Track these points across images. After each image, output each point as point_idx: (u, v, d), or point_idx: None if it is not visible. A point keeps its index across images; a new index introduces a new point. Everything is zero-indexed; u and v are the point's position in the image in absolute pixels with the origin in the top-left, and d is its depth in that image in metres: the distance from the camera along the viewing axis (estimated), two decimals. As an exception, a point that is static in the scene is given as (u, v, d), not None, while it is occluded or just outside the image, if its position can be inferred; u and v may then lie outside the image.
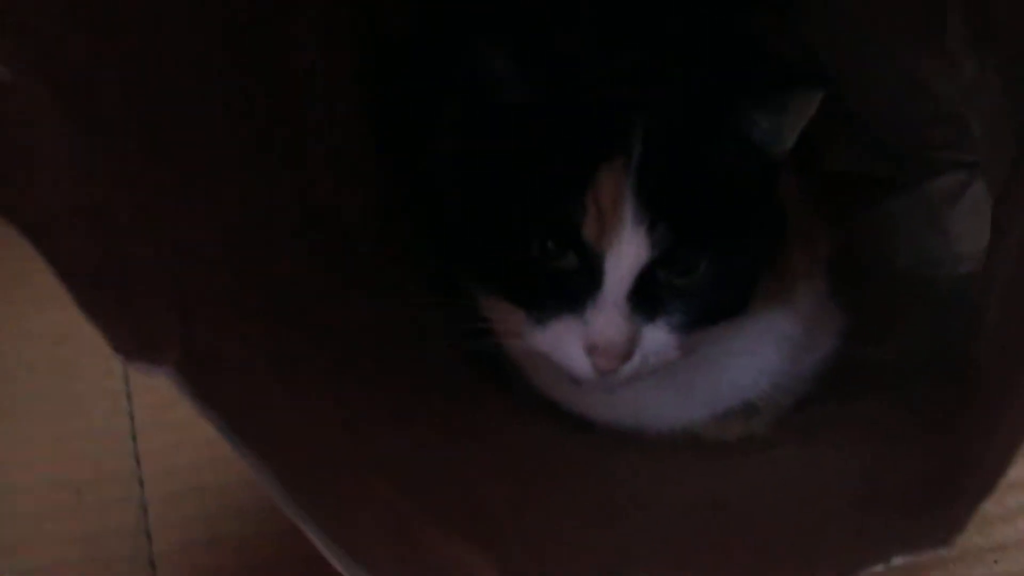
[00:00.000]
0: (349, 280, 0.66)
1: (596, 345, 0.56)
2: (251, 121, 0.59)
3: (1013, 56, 0.64)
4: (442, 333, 0.72)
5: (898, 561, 0.41)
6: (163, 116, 0.50)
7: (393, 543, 0.47)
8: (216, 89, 0.56)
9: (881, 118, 0.93)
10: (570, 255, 0.57)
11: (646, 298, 0.57)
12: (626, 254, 0.56)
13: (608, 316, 0.56)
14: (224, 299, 0.50)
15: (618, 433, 0.71)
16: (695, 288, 0.58)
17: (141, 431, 0.70)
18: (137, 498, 0.65)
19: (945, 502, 0.45)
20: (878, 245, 0.96)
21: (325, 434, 0.52)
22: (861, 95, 0.93)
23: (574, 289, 0.57)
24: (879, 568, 0.42)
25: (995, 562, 0.68)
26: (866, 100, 0.93)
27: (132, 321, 0.40)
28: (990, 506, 0.69)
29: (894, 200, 0.97)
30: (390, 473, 0.53)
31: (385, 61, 0.75)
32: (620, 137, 0.56)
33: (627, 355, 0.57)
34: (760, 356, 0.68)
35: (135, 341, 0.39)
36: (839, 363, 0.76)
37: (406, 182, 0.76)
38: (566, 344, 0.58)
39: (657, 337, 0.58)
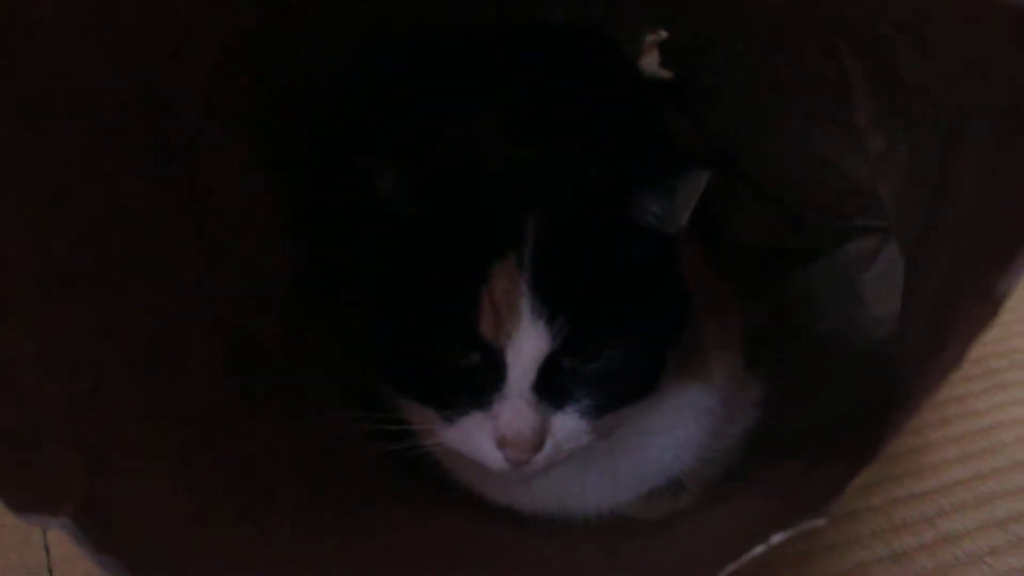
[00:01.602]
0: (266, 403, 0.66)
1: (505, 437, 0.56)
2: (166, 249, 0.59)
3: (922, 129, 0.65)
4: (369, 443, 0.71)
5: (776, 539, 0.41)
6: (70, 249, 0.49)
7: None
8: (129, 217, 0.55)
9: (793, 193, 0.96)
10: (472, 353, 0.57)
11: (552, 387, 0.57)
12: (526, 347, 0.56)
13: (514, 409, 0.56)
14: (138, 441, 0.49)
15: (547, 521, 0.70)
16: (601, 373, 0.58)
17: (57, 563, 0.70)
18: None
19: (823, 474, 0.44)
20: (802, 312, 0.97)
21: (248, 569, 0.51)
22: (773, 172, 0.95)
23: (479, 385, 0.57)
24: (760, 549, 0.42)
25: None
26: (778, 177, 0.96)
27: (28, 477, 0.39)
28: (927, 560, 0.73)
29: (810, 269, 0.99)
30: None
31: (295, 178, 0.75)
32: (511, 232, 0.57)
33: (537, 445, 0.57)
34: (680, 432, 0.69)
35: (29, 497, 0.38)
36: (761, 431, 0.76)
37: (321, 291, 0.76)
38: (476, 439, 0.58)
39: (567, 424, 0.58)
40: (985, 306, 0.39)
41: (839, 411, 0.75)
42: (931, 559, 0.74)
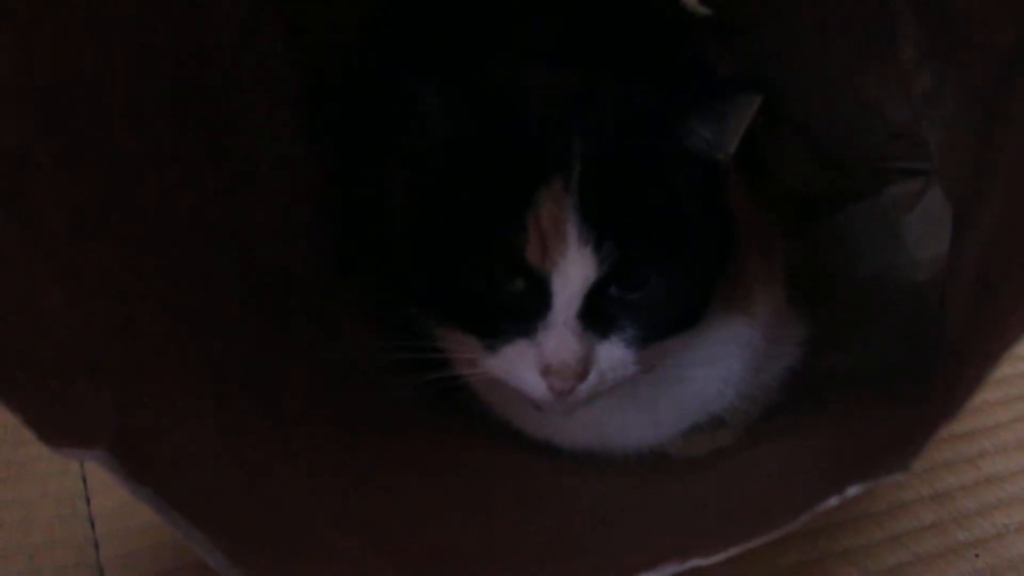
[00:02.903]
0: (297, 339, 0.65)
1: (550, 366, 0.55)
2: (197, 191, 0.58)
3: (970, 67, 0.63)
4: (402, 374, 0.70)
5: (853, 491, 0.40)
6: (101, 193, 0.49)
7: None
8: (161, 160, 0.55)
9: (835, 136, 0.94)
10: (517, 280, 0.56)
11: (598, 315, 0.56)
12: (573, 274, 0.55)
13: (559, 337, 0.55)
14: (168, 377, 0.49)
15: (585, 457, 0.69)
16: (648, 302, 0.57)
17: (94, 492, 0.69)
18: (92, 562, 0.63)
19: (905, 429, 0.43)
20: (838, 256, 0.96)
21: (281, 498, 0.50)
22: (815, 115, 0.93)
23: (524, 313, 0.56)
24: (833, 501, 0.40)
25: (976, 556, 0.68)
26: (820, 119, 0.93)
27: (61, 412, 0.39)
28: (969, 500, 0.71)
29: (851, 211, 0.98)
30: (354, 527, 0.52)
31: (329, 107, 0.74)
32: (558, 158, 0.55)
33: (582, 374, 0.56)
34: (723, 367, 0.67)
35: (63, 431, 0.37)
36: (805, 372, 0.75)
37: (354, 223, 0.75)
38: (520, 368, 0.57)
39: (612, 354, 0.57)
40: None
41: (883, 356, 0.74)
42: (973, 499, 0.73)
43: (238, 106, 0.63)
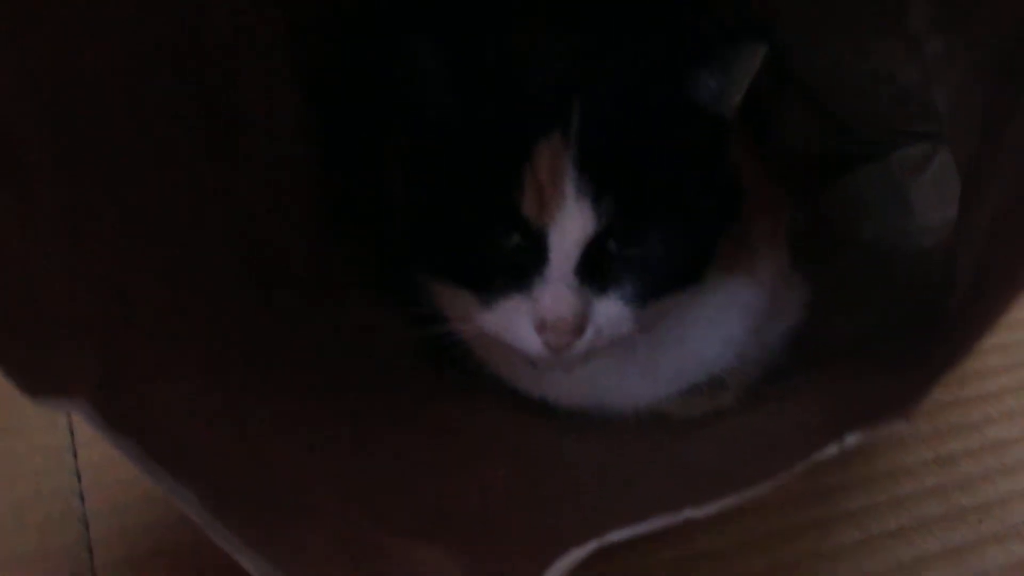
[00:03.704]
0: (290, 294, 0.64)
1: (546, 321, 0.54)
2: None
3: (984, 31, 0.62)
4: (396, 332, 0.69)
5: (851, 440, 0.38)
6: (95, 153, 0.47)
7: (349, 559, 0.45)
8: (153, 120, 0.53)
9: (843, 100, 0.92)
10: (514, 234, 0.55)
11: (596, 271, 0.55)
12: (570, 228, 0.53)
13: (556, 291, 0.54)
14: (155, 332, 0.48)
15: (582, 416, 0.68)
16: (647, 258, 0.56)
17: (81, 445, 0.68)
18: (78, 513, 0.62)
19: (907, 379, 0.42)
20: (843, 220, 0.95)
21: (272, 458, 0.49)
22: (823, 79, 0.92)
23: (521, 268, 0.55)
24: (832, 450, 0.39)
25: (979, 522, 0.67)
26: (828, 83, 0.92)
27: (42, 363, 0.38)
28: (971, 466, 0.70)
29: (858, 174, 0.97)
30: (347, 489, 0.51)
31: (323, 64, 0.72)
32: (557, 109, 0.54)
33: (579, 330, 0.55)
34: (723, 327, 0.66)
35: (44, 381, 0.36)
36: (808, 334, 0.74)
37: (347, 176, 0.73)
38: (515, 323, 0.56)
39: (610, 310, 0.56)
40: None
41: (888, 320, 0.73)
42: (977, 465, 0.71)
43: (234, 76, 0.62)
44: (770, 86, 0.90)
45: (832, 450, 0.40)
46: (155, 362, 0.47)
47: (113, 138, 0.49)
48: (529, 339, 0.55)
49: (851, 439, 0.39)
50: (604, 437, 0.67)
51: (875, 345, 0.70)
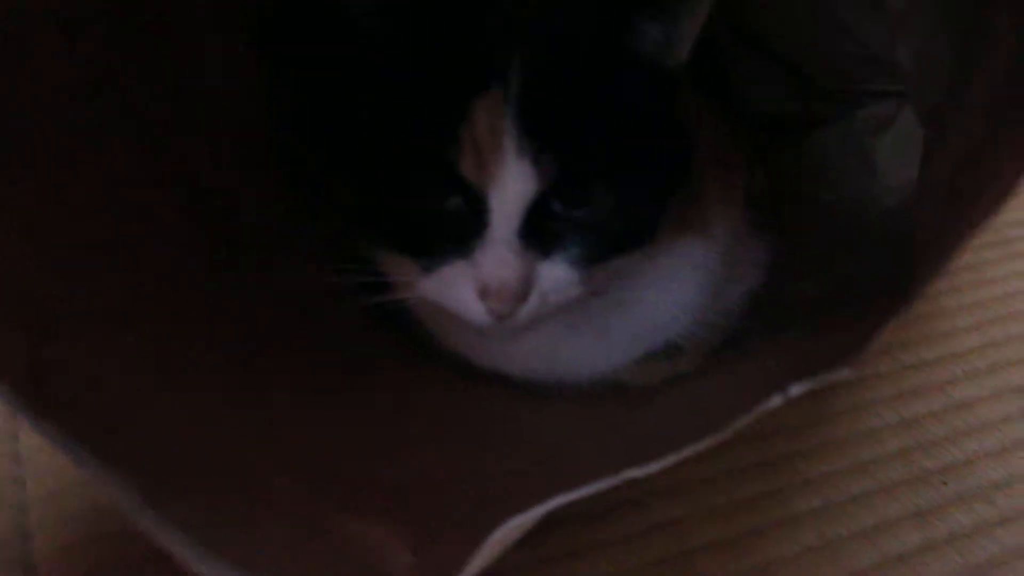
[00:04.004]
0: (238, 263, 0.61)
1: (488, 287, 0.52)
2: (139, 121, 0.54)
3: None
4: (347, 301, 0.67)
5: (796, 390, 0.37)
6: (24, 121, 0.45)
7: (295, 539, 0.43)
8: (98, 84, 0.51)
9: (806, 58, 0.91)
10: (453, 195, 0.53)
11: (539, 233, 0.53)
12: (511, 188, 0.51)
13: (497, 255, 0.52)
14: (88, 311, 0.45)
15: (537, 386, 0.67)
16: (593, 219, 0.53)
17: (24, 431, 0.66)
18: (17, 500, 0.60)
19: (855, 327, 0.41)
20: (807, 181, 0.93)
21: (212, 436, 0.47)
22: (785, 36, 0.90)
23: (461, 231, 0.53)
24: (777, 400, 0.38)
25: (944, 484, 0.65)
26: (791, 41, 0.90)
27: None
28: (937, 427, 0.68)
29: (821, 134, 0.95)
30: (291, 465, 0.49)
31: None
32: (495, 65, 0.51)
33: (522, 296, 0.52)
34: (678, 290, 0.64)
35: None
36: (769, 298, 0.72)
37: (297, 142, 0.71)
38: (456, 290, 0.53)
39: (555, 274, 0.54)
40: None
41: (851, 282, 0.71)
42: (942, 426, 0.70)
43: (186, 27, 0.59)
44: (728, 42, 0.88)
45: (776, 401, 0.38)
46: (88, 340, 0.44)
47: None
48: (471, 306, 0.53)
49: (795, 389, 0.38)
50: (559, 406, 0.66)
51: (837, 307, 0.68)
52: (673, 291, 0.64)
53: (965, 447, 0.69)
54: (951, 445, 0.69)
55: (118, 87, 0.52)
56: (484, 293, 0.52)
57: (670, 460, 0.39)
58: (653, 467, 0.39)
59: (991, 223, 0.37)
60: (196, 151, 0.59)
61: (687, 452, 0.39)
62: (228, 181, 0.62)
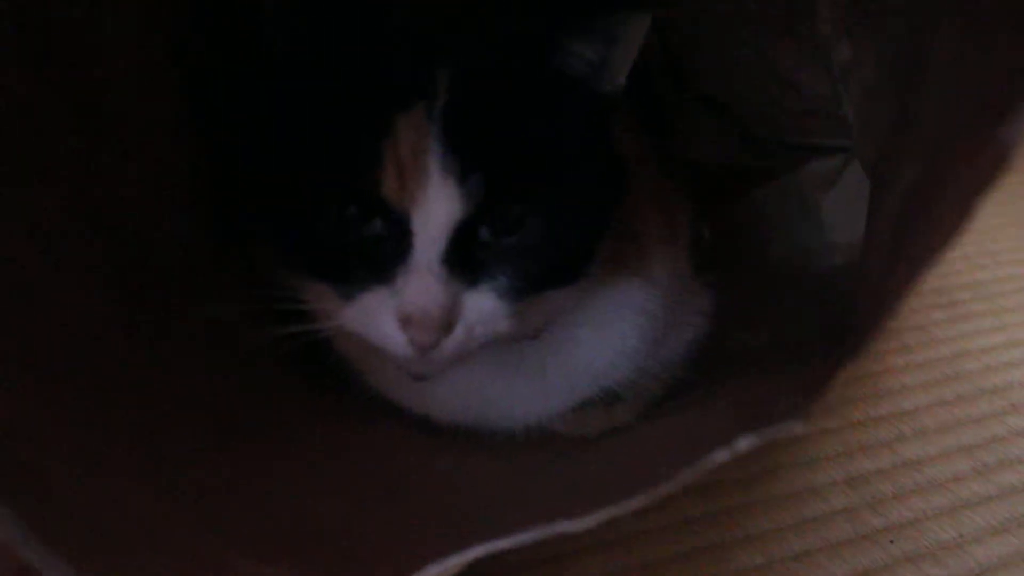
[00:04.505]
0: (151, 288, 0.57)
1: (410, 316, 0.48)
2: (52, 147, 0.50)
3: (889, 30, 0.60)
4: (264, 334, 0.63)
5: (743, 444, 0.36)
6: None
7: None
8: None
9: (751, 110, 0.90)
10: (374, 219, 0.49)
11: (465, 260, 0.50)
12: (435, 211, 0.48)
13: (420, 282, 0.48)
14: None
15: (466, 433, 0.63)
16: (522, 247, 0.50)
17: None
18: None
19: (805, 378, 0.39)
20: (751, 235, 0.92)
21: (108, 475, 0.44)
22: (730, 87, 0.90)
23: (382, 256, 0.49)
24: (723, 455, 0.36)
25: (891, 542, 0.62)
26: (735, 92, 0.90)
27: None
28: (884, 485, 0.65)
29: (766, 189, 0.94)
30: (192, 506, 0.46)
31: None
32: (420, 82, 0.49)
33: (447, 326, 0.49)
34: (617, 334, 0.61)
35: None
36: (712, 350, 0.70)
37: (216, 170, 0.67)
38: (377, 319, 0.50)
39: (482, 305, 0.50)
40: (988, 158, 0.33)
41: (795, 337, 0.69)
42: (890, 484, 0.68)
43: (105, 60, 0.56)
44: (669, 89, 0.87)
45: (722, 455, 0.37)
46: None
47: None
48: (393, 336, 0.49)
49: (743, 443, 0.37)
50: (487, 453, 0.62)
51: (782, 361, 0.66)
52: (612, 334, 0.62)
53: (913, 506, 0.66)
54: (899, 504, 0.66)
55: (29, 112, 0.48)
56: (406, 322, 0.49)
57: (608, 514, 0.37)
58: (589, 522, 0.37)
59: (934, 278, 0.35)
60: (106, 182, 0.56)
61: (626, 507, 0.37)
62: (141, 216, 0.59)
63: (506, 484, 0.59)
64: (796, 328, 0.73)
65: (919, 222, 0.46)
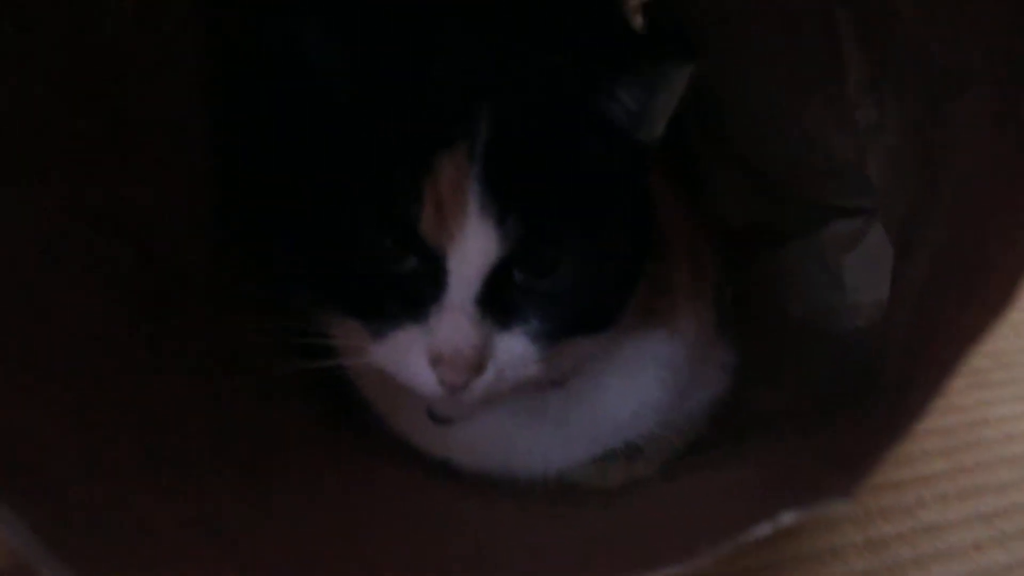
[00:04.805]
0: (175, 313, 0.58)
1: (441, 355, 0.48)
2: (86, 178, 0.51)
3: (916, 92, 0.60)
4: (288, 374, 0.63)
5: (787, 518, 0.35)
6: None
7: None
8: (48, 143, 0.48)
9: (775, 169, 0.90)
10: (409, 255, 0.50)
11: (499, 302, 0.49)
12: (472, 251, 0.48)
13: (453, 321, 0.48)
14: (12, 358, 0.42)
15: (485, 481, 0.63)
16: (555, 291, 0.50)
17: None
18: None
19: (845, 455, 0.38)
20: (773, 294, 0.92)
21: (134, 502, 0.44)
22: (755, 146, 0.90)
23: (416, 294, 0.49)
24: (766, 529, 0.36)
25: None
26: (760, 151, 0.90)
27: None
28: (904, 550, 0.67)
29: (789, 248, 0.94)
30: (211, 548, 0.45)
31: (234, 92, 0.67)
32: (463, 121, 0.49)
33: (478, 366, 0.49)
34: (641, 385, 0.61)
35: None
36: (734, 408, 0.69)
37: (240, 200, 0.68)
38: (408, 356, 0.50)
39: (513, 347, 0.50)
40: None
41: (818, 398, 0.69)
42: (910, 549, 0.67)
43: (138, 92, 0.56)
44: (699, 145, 0.88)
45: (765, 529, 0.37)
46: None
47: None
48: (423, 375, 0.49)
49: (787, 518, 0.36)
50: (506, 501, 0.62)
51: (804, 423, 0.65)
52: (637, 386, 0.61)
53: (933, 572, 0.66)
54: (918, 569, 0.66)
55: (55, 122, 0.49)
56: (437, 361, 0.49)
57: None
58: None
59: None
60: (138, 196, 0.56)
61: (665, 573, 0.37)
62: (169, 232, 0.59)
63: (524, 533, 0.58)
64: (818, 391, 0.72)
65: (950, 296, 0.46)
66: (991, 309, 0.36)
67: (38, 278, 0.46)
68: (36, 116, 0.49)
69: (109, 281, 0.52)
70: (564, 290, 0.51)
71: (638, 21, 0.94)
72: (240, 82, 0.63)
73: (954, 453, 0.77)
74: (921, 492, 0.72)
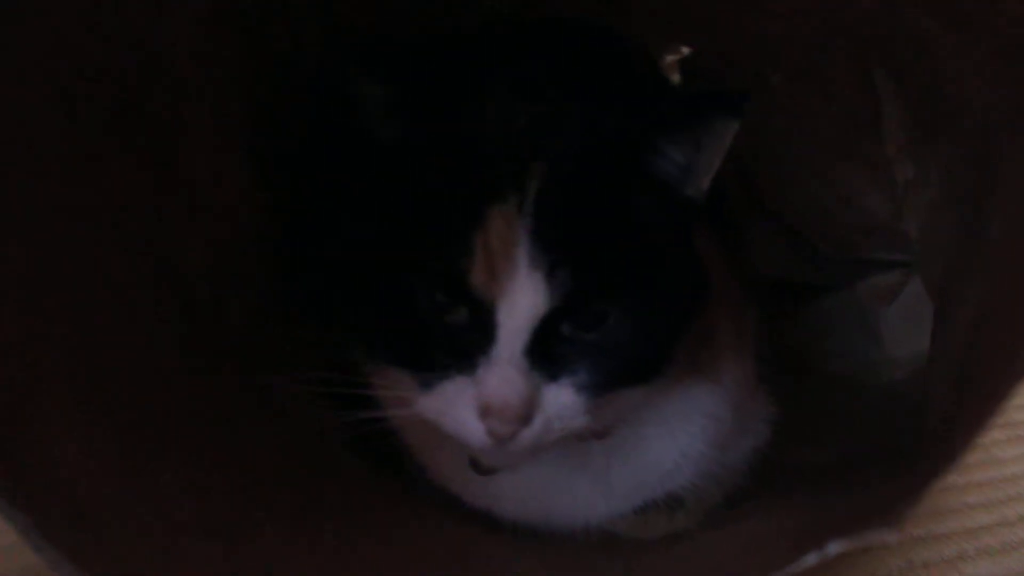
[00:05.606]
0: (221, 361, 0.59)
1: (490, 406, 0.48)
2: (133, 213, 0.52)
3: (957, 145, 0.61)
4: (330, 421, 0.64)
5: (834, 548, 0.36)
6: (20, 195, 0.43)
7: None
8: (94, 175, 0.49)
9: (811, 225, 0.91)
10: (459, 307, 0.50)
11: (547, 354, 0.50)
12: (521, 303, 0.48)
13: (502, 373, 0.49)
14: (62, 395, 0.43)
15: (526, 531, 0.63)
16: (603, 343, 0.51)
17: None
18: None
19: (891, 489, 0.39)
20: (810, 349, 0.92)
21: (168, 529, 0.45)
22: (791, 203, 0.90)
23: (465, 345, 0.50)
24: (813, 559, 0.36)
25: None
26: (796, 208, 0.90)
27: None
28: None
29: (825, 302, 0.94)
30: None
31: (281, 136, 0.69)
32: (514, 175, 0.50)
33: (526, 418, 0.49)
34: (684, 437, 0.61)
35: None
36: (773, 460, 0.69)
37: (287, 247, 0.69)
38: (456, 407, 0.50)
39: (561, 398, 0.50)
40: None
41: (857, 452, 0.69)
42: (952, 602, 0.66)
43: (185, 129, 0.58)
44: (738, 199, 0.88)
45: (812, 559, 0.37)
46: (58, 423, 0.42)
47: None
48: (471, 426, 0.50)
49: (834, 547, 0.37)
50: (547, 553, 0.62)
51: (845, 477, 0.65)
52: (679, 437, 0.62)
53: (977, 625, 0.64)
54: (963, 623, 0.65)
55: (111, 172, 0.50)
56: (485, 412, 0.49)
57: None
58: None
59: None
60: (185, 252, 0.57)
61: None
62: (216, 284, 0.60)
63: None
64: (857, 445, 0.72)
65: (990, 349, 0.46)
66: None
67: (107, 323, 0.47)
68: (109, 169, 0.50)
69: (156, 326, 0.53)
70: (612, 343, 0.51)
71: (675, 78, 0.96)
72: (288, 138, 0.64)
73: (996, 507, 0.77)
74: (964, 545, 0.72)
